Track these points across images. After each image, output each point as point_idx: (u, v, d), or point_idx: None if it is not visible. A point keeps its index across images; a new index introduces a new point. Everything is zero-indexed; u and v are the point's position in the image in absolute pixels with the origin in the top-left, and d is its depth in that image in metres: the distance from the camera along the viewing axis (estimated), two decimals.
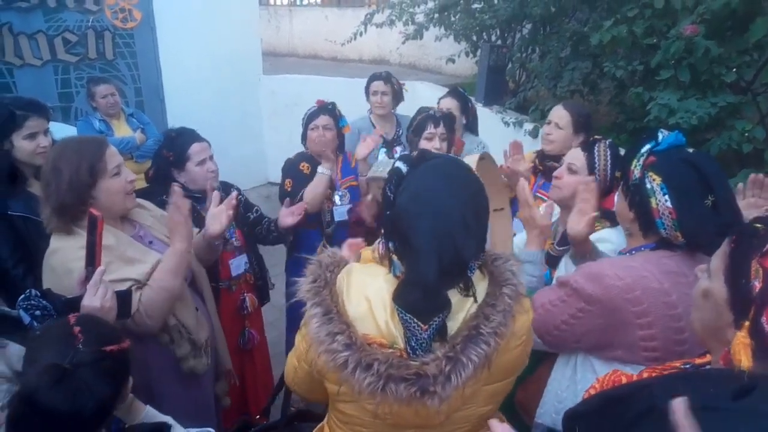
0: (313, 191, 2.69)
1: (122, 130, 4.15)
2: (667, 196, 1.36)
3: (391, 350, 1.04)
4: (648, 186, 1.39)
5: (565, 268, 1.75)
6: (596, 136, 2.04)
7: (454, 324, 1.06)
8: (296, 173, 2.81)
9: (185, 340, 1.85)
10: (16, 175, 2.21)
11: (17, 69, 4.61)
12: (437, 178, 1.10)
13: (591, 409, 1.04)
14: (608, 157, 1.94)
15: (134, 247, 1.80)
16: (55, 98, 4.82)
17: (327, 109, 2.85)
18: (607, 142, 1.98)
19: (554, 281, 1.54)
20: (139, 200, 1.98)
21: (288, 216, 2.48)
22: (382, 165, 2.31)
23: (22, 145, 2.20)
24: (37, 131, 2.23)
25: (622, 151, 2.72)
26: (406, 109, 3.59)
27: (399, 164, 1.15)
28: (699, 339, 1.02)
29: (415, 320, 1.00)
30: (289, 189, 2.78)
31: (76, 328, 1.21)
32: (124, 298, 1.55)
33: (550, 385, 1.59)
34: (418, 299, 1.01)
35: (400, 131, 3.67)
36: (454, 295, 1.05)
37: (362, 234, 2.72)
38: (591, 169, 1.93)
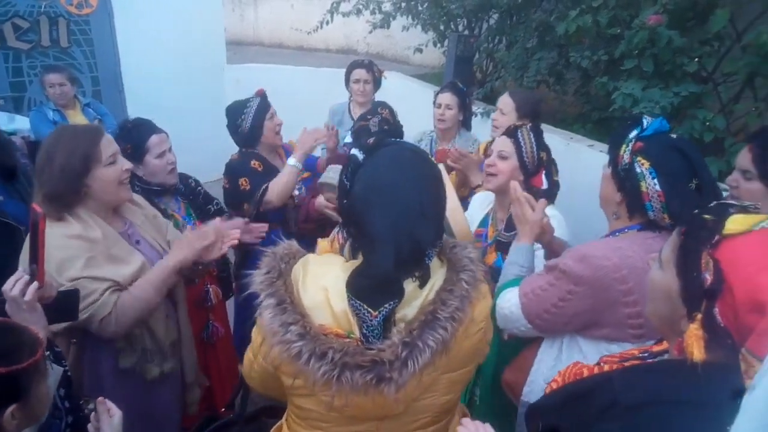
0: (283, 184, 2.56)
1: (78, 120, 4.00)
2: (656, 180, 1.40)
3: (348, 340, 1.03)
4: (638, 170, 1.43)
5: (516, 254, 1.77)
6: (516, 123, 2.15)
7: (411, 311, 1.06)
8: (250, 171, 2.63)
9: (135, 353, 1.81)
10: None
11: None
12: (394, 165, 1.09)
13: (554, 404, 1.04)
14: (532, 140, 2.03)
15: (120, 245, 1.76)
16: (6, 87, 4.62)
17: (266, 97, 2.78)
18: (528, 126, 2.08)
19: (543, 267, 1.59)
20: (135, 196, 1.94)
21: (246, 234, 2.34)
22: (333, 171, 2.28)
23: None
24: None
25: (582, 137, 2.74)
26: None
27: (355, 151, 1.13)
28: (655, 328, 1.03)
29: (365, 306, 1.00)
30: (247, 188, 2.59)
31: None
32: (70, 298, 1.48)
33: (537, 365, 1.62)
34: (371, 287, 1.00)
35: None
36: (409, 284, 1.05)
37: (313, 230, 2.66)
38: (519, 153, 2.01)
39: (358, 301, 1.01)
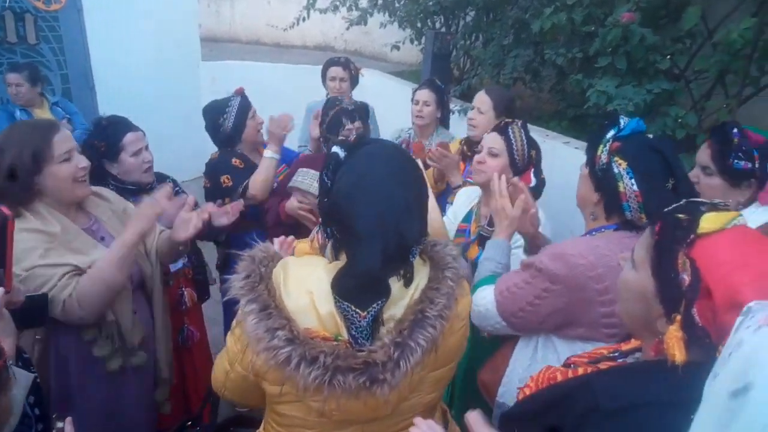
0: (262, 178, 2.56)
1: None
2: (633, 180, 1.41)
3: (335, 343, 1.00)
4: (615, 171, 1.43)
5: (493, 249, 1.77)
6: (506, 119, 2.12)
7: (398, 311, 1.04)
8: (231, 169, 2.63)
9: (108, 341, 1.76)
10: None
11: None
12: (377, 162, 1.08)
13: (529, 412, 1.02)
14: (523, 137, 2.02)
15: (82, 239, 1.72)
16: None
17: (246, 96, 2.78)
18: (519, 123, 2.06)
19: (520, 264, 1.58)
20: (102, 190, 1.89)
21: (222, 216, 2.24)
22: (303, 175, 2.30)
23: None
24: None
25: (557, 134, 2.77)
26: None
27: (336, 149, 1.11)
28: (628, 328, 1.03)
29: (353, 307, 0.98)
30: (230, 184, 2.59)
31: None
32: (38, 302, 1.44)
33: (512, 365, 1.62)
34: (357, 286, 0.98)
35: None
36: (394, 283, 1.04)
37: (285, 233, 2.65)
38: (510, 151, 2.00)
39: (346, 303, 0.99)
